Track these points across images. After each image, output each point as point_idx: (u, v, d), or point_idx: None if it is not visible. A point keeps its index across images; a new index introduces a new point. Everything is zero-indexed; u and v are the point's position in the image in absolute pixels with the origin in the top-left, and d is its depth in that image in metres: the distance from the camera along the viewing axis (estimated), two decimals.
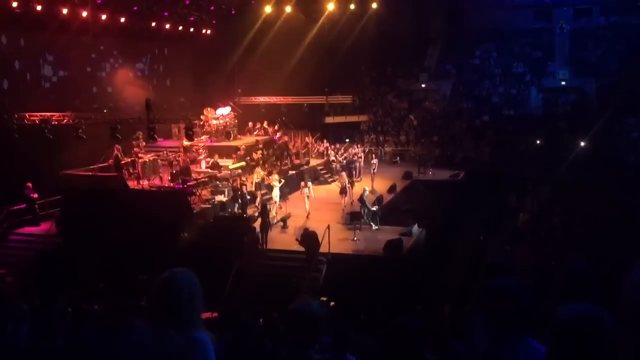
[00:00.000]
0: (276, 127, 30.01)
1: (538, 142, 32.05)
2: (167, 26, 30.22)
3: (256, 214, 19.45)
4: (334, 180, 27.22)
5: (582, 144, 30.33)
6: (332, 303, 12.17)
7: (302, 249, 17.29)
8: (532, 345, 2.68)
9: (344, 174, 25.01)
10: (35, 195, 20.08)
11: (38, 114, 21.02)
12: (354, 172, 26.43)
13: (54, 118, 20.93)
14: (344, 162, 28.53)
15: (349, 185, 23.48)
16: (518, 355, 2.66)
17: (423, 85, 38.36)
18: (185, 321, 2.91)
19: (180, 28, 31.37)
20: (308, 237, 17.16)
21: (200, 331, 3.05)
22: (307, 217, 21.21)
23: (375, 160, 26.94)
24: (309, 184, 22.48)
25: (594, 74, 35.11)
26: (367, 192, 21.00)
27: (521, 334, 2.69)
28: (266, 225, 18.58)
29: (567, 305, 2.09)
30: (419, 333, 3.49)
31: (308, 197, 21.76)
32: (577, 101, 35.44)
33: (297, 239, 17.47)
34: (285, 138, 29.83)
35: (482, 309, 2.80)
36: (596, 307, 2.02)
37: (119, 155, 21.94)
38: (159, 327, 2.82)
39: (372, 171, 26.42)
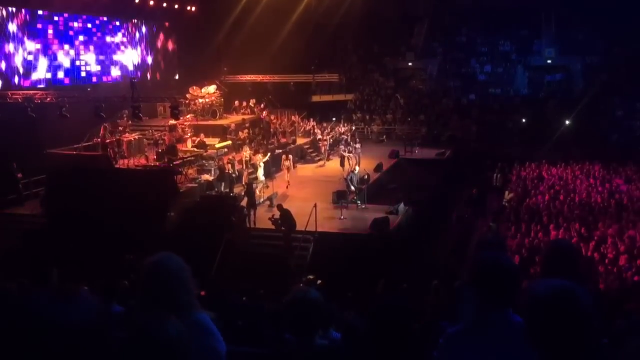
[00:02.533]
0: (262, 106, 29.87)
1: (524, 120, 32.21)
2: (151, 2, 29.77)
3: (242, 193, 19.41)
4: (320, 160, 27.29)
5: (567, 122, 30.53)
6: (319, 281, 12.24)
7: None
8: (512, 317, 2.74)
9: (341, 146, 25.22)
10: (20, 175, 19.88)
11: (20, 92, 20.71)
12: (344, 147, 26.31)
13: (37, 96, 20.64)
14: (331, 140, 28.52)
15: (349, 155, 23.90)
16: (501, 328, 2.72)
17: (410, 64, 38.28)
18: (181, 305, 2.86)
19: (165, 5, 30.91)
20: (283, 216, 17.17)
21: (200, 312, 3.03)
22: (287, 186, 22.01)
23: (358, 145, 26.72)
24: (290, 156, 23.45)
25: (580, 52, 35.21)
26: (357, 171, 21.09)
27: (505, 307, 2.74)
28: (253, 204, 18.59)
29: (543, 281, 2.20)
30: (405, 311, 3.52)
31: (288, 168, 22.67)
32: (563, 80, 35.59)
33: (270, 219, 17.46)
34: (272, 117, 29.72)
35: (472, 281, 2.85)
36: (570, 282, 2.11)
37: (106, 135, 21.74)
38: (156, 312, 2.80)
39: (357, 153, 26.19)
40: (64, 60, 26.03)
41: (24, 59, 23.82)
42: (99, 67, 28.19)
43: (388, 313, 3.32)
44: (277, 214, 17.38)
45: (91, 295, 1.10)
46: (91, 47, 27.64)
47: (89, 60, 27.57)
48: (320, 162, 27.13)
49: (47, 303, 1.04)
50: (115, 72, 29.32)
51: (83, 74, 27.18)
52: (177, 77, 32.67)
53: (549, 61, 36.17)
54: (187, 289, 2.90)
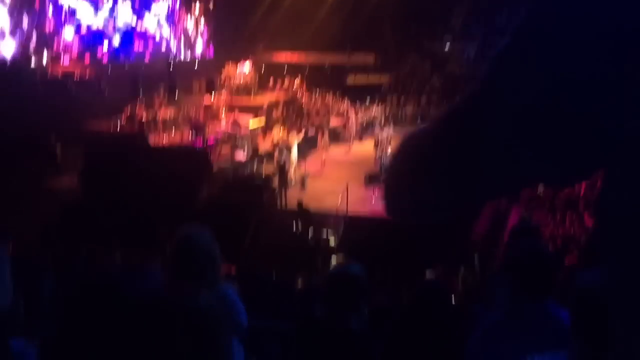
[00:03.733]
0: (297, 85, 29.82)
1: None
2: None
3: (275, 174, 19.50)
4: (353, 141, 27.15)
5: None
6: None
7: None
8: (552, 308, 2.68)
9: (376, 128, 25.15)
10: (57, 149, 20.29)
11: (61, 67, 21.10)
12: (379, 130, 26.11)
13: (76, 72, 21.00)
14: (364, 122, 28.34)
15: (383, 138, 23.81)
16: (538, 319, 2.67)
17: (447, 46, 37.65)
18: (208, 279, 2.92)
19: None
20: (302, 213, 17.18)
21: (225, 286, 3.08)
22: (323, 164, 22.10)
23: (392, 128, 26.38)
24: (326, 133, 23.61)
25: None
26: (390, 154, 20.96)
27: (544, 297, 2.69)
28: (284, 185, 18.65)
29: (590, 272, 2.05)
30: (444, 292, 3.52)
31: (324, 147, 22.88)
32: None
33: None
34: (306, 97, 29.68)
35: (507, 269, 2.81)
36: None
37: (142, 111, 22.04)
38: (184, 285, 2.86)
39: (389, 137, 25.89)
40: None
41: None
42: (135, 43, 28.45)
43: (429, 293, 3.33)
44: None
45: (157, 269, 1.13)
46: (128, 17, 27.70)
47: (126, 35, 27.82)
48: (354, 144, 27.03)
49: (119, 276, 1.08)
50: (151, 48, 29.55)
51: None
52: (212, 54, 32.80)
53: None
54: (215, 264, 2.97)
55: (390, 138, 25.36)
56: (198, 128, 21.51)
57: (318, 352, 3.19)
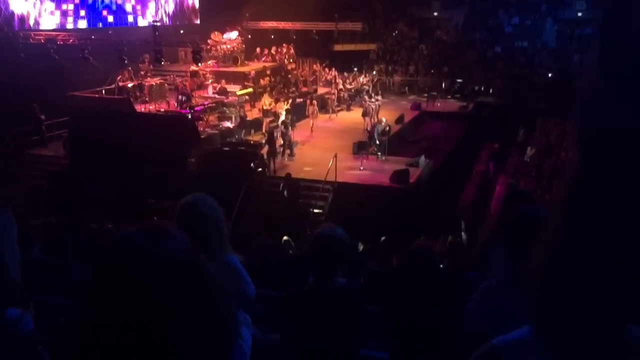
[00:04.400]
0: (284, 53, 29.52)
1: (550, 75, 31.50)
2: None
3: (263, 141, 19.42)
4: (341, 110, 27.08)
5: None
6: None
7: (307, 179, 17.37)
8: None
9: (365, 96, 24.97)
10: (43, 116, 20.03)
11: (43, 32, 20.66)
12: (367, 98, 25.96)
13: (59, 37, 20.59)
14: (352, 91, 28.22)
15: (372, 107, 23.67)
16: None
17: (435, 14, 37.38)
18: (215, 247, 2.88)
19: None
20: (290, 184, 17.18)
21: (230, 254, 3.05)
22: (312, 131, 22.20)
23: (380, 96, 26.27)
24: (314, 102, 23.57)
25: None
26: (383, 123, 20.87)
27: None
28: (273, 153, 18.61)
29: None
30: (433, 256, 3.55)
31: (312, 114, 22.87)
32: (594, 34, 34.53)
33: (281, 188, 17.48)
34: (293, 65, 29.41)
35: (507, 234, 2.80)
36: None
37: (128, 79, 21.74)
38: None
39: (377, 106, 25.78)
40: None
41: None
42: (121, 10, 27.93)
43: (417, 259, 3.36)
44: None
45: (180, 231, 1.12)
46: None
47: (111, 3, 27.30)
48: (341, 112, 26.93)
49: (144, 239, 1.06)
50: (136, 15, 29.04)
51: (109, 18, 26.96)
52: (198, 22, 32.30)
53: (579, 14, 35.05)
54: (220, 230, 2.93)
55: (378, 106, 25.31)
56: (185, 96, 21.29)
57: (309, 316, 3.22)
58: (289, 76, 27.64)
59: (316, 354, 3.24)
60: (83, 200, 13.77)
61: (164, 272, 1.04)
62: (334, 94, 27.04)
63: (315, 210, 17.08)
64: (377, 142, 20.10)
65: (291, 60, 29.55)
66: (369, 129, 21.30)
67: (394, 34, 36.73)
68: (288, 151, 19.99)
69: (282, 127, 20.29)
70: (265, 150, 18.78)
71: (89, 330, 1.05)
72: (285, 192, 17.03)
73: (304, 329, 3.26)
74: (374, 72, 33.44)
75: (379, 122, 20.96)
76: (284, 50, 29.78)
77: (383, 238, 11.95)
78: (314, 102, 23.73)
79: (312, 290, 3.27)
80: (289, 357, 3.36)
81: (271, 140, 18.72)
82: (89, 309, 1.06)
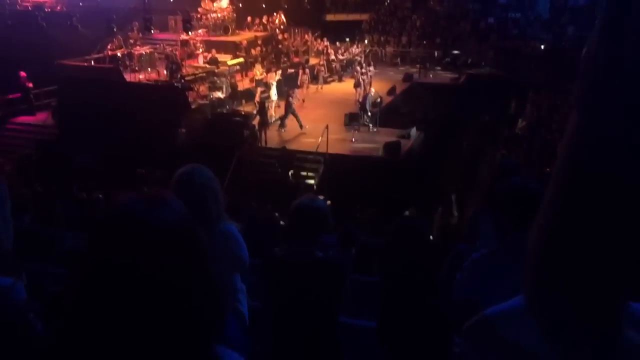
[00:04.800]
0: (275, 22, 29.17)
1: (543, 47, 31.38)
2: None
3: (254, 112, 19.31)
4: (332, 80, 26.92)
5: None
6: (328, 202, 12.37)
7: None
8: None
9: (358, 67, 24.79)
10: (30, 85, 19.78)
11: None
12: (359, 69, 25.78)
13: (46, 4, 20.23)
14: (344, 61, 28.00)
15: (364, 78, 23.50)
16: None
17: None
18: (213, 216, 2.90)
19: None
20: (284, 157, 17.17)
21: (228, 222, 3.07)
22: (303, 102, 22.08)
23: (372, 67, 26.13)
24: (307, 71, 23.61)
25: None
26: (373, 93, 20.78)
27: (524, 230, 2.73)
28: (265, 123, 18.53)
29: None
30: (423, 226, 3.57)
31: (304, 83, 23.12)
32: (587, 5, 34.33)
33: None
34: (285, 35, 29.09)
35: (497, 206, 2.83)
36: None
37: (117, 47, 21.44)
38: None
39: (368, 77, 25.63)
40: None
41: None
42: None
43: (406, 230, 3.37)
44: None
45: (177, 200, 1.13)
46: None
47: None
48: (333, 83, 26.77)
49: (144, 208, 1.06)
50: None
51: None
52: None
53: None
54: (217, 200, 2.95)
55: (370, 78, 25.18)
56: (175, 65, 21.05)
57: (282, 284, 3.24)
58: (280, 46, 27.36)
59: (291, 320, 3.26)
60: (72, 170, 13.70)
61: (161, 239, 1.05)
62: (323, 65, 26.83)
63: (308, 182, 17.10)
64: (369, 113, 20.04)
65: (282, 28, 29.20)
66: (360, 100, 21.21)
67: (386, 3, 36.34)
68: (279, 122, 19.90)
69: (276, 98, 20.20)
70: (256, 120, 18.69)
71: (82, 297, 1.05)
72: (278, 167, 17.03)
73: (277, 295, 3.29)
74: (366, 42, 33.18)
75: (369, 92, 20.85)
76: (275, 19, 29.42)
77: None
78: (307, 71, 23.62)
79: (287, 257, 3.27)
80: (268, 324, 3.38)
81: (262, 111, 18.62)
82: (82, 277, 1.06)
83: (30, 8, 19.91)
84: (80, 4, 21.31)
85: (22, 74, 19.38)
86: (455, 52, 31.69)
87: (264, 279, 3.34)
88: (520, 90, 25.48)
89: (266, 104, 19.39)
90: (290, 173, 16.92)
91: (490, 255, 2.86)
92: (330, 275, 3.25)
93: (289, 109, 19.18)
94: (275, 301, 3.32)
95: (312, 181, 17.19)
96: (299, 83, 23.21)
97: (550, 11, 35.03)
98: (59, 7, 20.37)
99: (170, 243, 1.06)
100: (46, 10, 19.94)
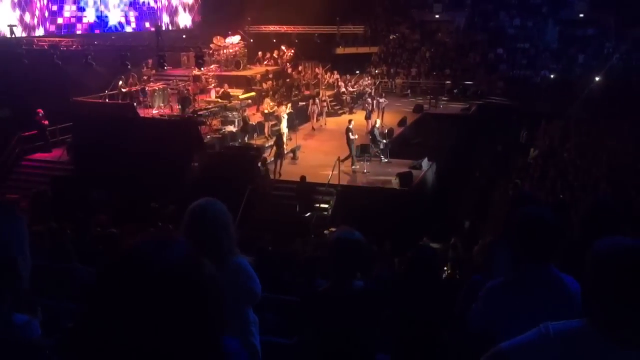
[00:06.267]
0: (286, 57, 29.57)
1: (552, 76, 31.47)
2: None
3: (267, 145, 19.44)
4: (343, 112, 27.06)
5: (597, 78, 29.74)
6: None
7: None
8: (556, 272, 2.70)
9: (368, 99, 25.01)
10: (46, 122, 20.09)
11: (47, 39, 20.76)
12: (370, 101, 25.93)
13: (62, 43, 20.67)
14: (355, 94, 28.23)
15: (375, 109, 23.69)
16: (542, 282, 2.69)
17: (437, 16, 37.41)
18: (225, 250, 2.91)
19: None
20: (302, 187, 17.23)
21: (239, 256, 3.08)
22: (313, 128, 22.87)
23: (383, 99, 26.28)
24: (317, 100, 23.98)
25: (613, 6, 33.96)
26: (378, 125, 20.89)
27: (547, 261, 2.71)
28: (281, 155, 18.65)
29: (606, 239, 1.86)
30: (435, 258, 3.56)
31: (314, 113, 23.59)
32: (595, 35, 34.51)
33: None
34: (298, 68, 29.44)
35: (513, 235, 2.81)
36: (636, 240, 1.81)
37: (131, 84, 21.81)
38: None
39: (381, 108, 25.75)
40: (90, 10, 25.92)
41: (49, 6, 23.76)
42: (122, 14, 28.04)
43: (421, 259, 3.36)
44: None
45: (184, 240, 1.18)
46: None
47: (113, 9, 27.40)
48: (344, 115, 26.92)
49: (155, 249, 1.11)
50: (138, 20, 29.15)
51: (112, 21, 27.04)
52: (200, 26, 32.37)
53: (580, 15, 35.02)
54: (229, 234, 2.96)
55: (382, 109, 25.34)
56: (188, 100, 21.33)
57: (326, 320, 3.21)
58: (290, 80, 27.66)
59: (334, 357, 3.23)
60: (87, 205, 13.80)
61: (166, 280, 1.10)
62: (325, 101, 26.70)
63: (322, 212, 17.10)
64: (380, 145, 20.10)
65: (292, 63, 29.56)
66: (368, 130, 21.31)
67: (392, 37, 36.73)
68: (291, 154, 20.00)
69: (287, 131, 20.34)
70: (272, 152, 18.82)
71: (90, 332, 1.10)
72: (296, 198, 17.12)
73: (321, 331, 3.25)
74: (376, 71, 33.45)
75: (375, 124, 20.89)
76: (286, 53, 29.81)
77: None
78: (317, 102, 23.94)
79: (329, 292, 3.25)
80: None
81: (279, 142, 18.78)
82: (90, 312, 1.11)
83: (46, 47, 20.35)
84: (95, 42, 21.74)
85: (39, 111, 19.71)
86: (468, 82, 31.85)
87: (308, 315, 3.31)
88: (531, 120, 25.47)
89: (283, 137, 19.58)
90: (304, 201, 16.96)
91: (506, 285, 2.84)
92: (370, 307, 3.23)
93: (351, 144, 19.14)
94: (316, 337, 3.28)
95: (325, 213, 17.17)
96: (307, 114, 23.54)
97: (559, 41, 35.21)
98: (74, 46, 20.80)
99: (174, 283, 1.10)
100: (62, 49, 20.34)
